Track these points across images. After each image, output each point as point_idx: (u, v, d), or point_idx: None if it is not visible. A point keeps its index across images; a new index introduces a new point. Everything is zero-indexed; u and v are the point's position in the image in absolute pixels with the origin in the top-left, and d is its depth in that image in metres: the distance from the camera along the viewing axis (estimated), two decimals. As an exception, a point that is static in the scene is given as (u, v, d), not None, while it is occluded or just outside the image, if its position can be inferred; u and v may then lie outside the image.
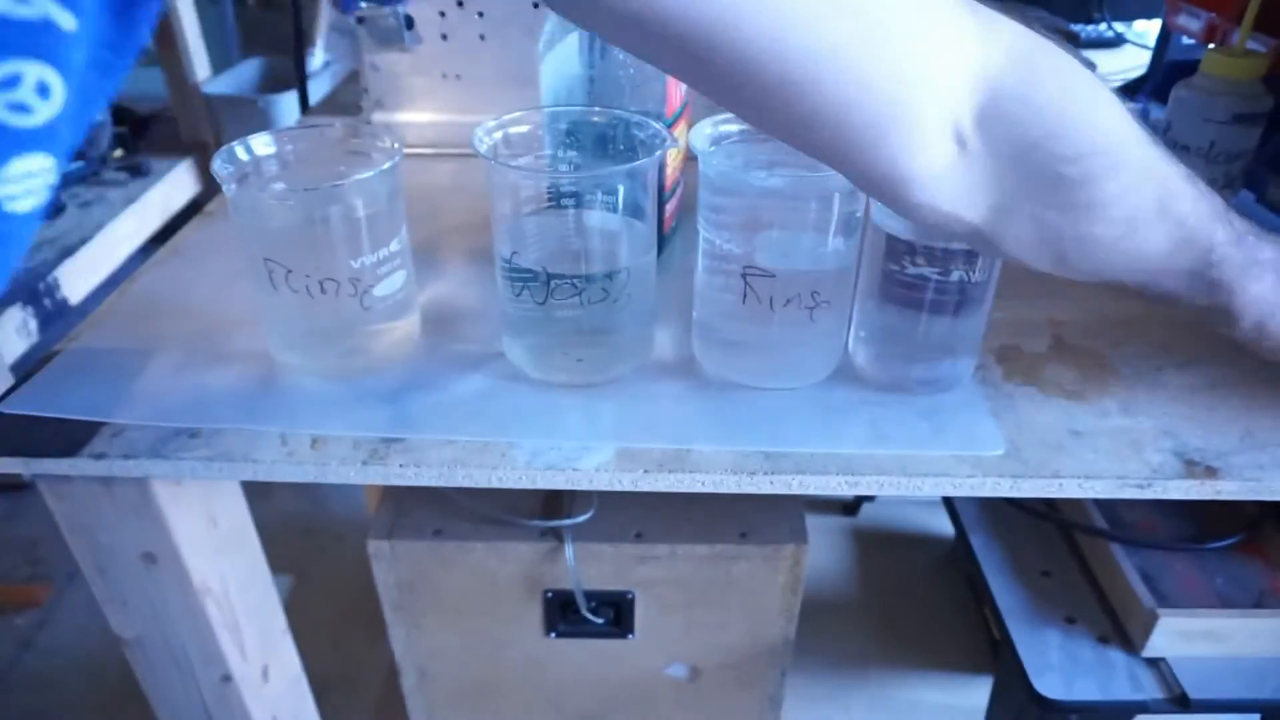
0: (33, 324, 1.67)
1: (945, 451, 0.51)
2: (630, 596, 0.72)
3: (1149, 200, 0.43)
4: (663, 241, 0.70)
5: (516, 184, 0.54)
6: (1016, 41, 0.39)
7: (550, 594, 0.72)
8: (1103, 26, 1.22)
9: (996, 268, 0.53)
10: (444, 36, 0.88)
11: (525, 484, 0.51)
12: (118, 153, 2.12)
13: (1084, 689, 0.69)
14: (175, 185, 2.17)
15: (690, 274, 0.57)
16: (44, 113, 0.26)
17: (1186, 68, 0.71)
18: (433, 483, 0.51)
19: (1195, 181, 0.45)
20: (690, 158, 0.60)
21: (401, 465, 0.51)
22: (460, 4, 0.86)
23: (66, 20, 0.26)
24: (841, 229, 0.52)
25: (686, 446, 0.52)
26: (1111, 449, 0.52)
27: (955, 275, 0.51)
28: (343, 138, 0.58)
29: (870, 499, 1.52)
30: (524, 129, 0.56)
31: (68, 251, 1.79)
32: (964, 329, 0.54)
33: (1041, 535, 0.83)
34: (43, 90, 0.26)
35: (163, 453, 0.51)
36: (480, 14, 0.86)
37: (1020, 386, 0.57)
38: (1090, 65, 0.82)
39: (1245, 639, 0.70)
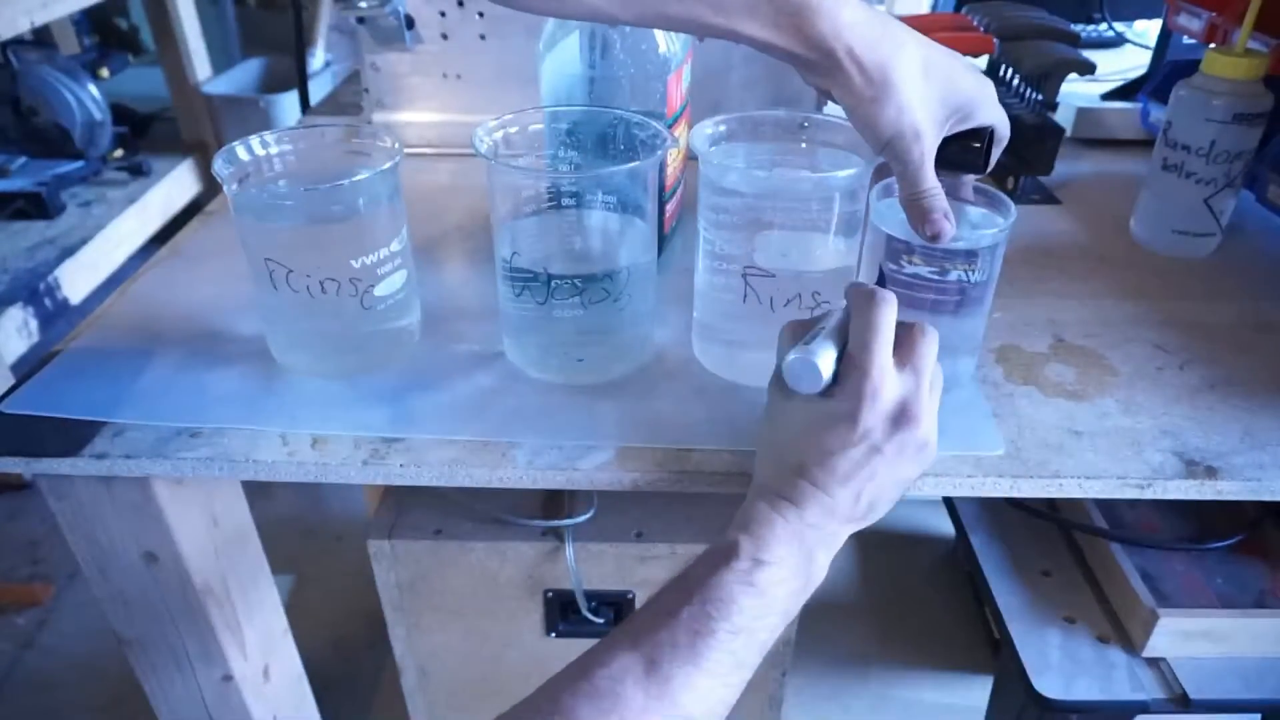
0: (33, 324, 1.67)
1: (945, 451, 0.51)
2: (630, 596, 0.72)
3: None
4: (663, 241, 0.70)
5: (517, 184, 0.54)
6: None
7: (550, 594, 0.73)
8: (1103, 26, 1.22)
9: (996, 268, 0.53)
10: (444, 36, 0.88)
11: (525, 484, 0.51)
12: (118, 153, 2.12)
13: (1084, 689, 0.69)
14: (176, 185, 2.17)
15: (690, 274, 0.57)
16: None
17: (1187, 68, 0.71)
18: (433, 483, 0.51)
19: None
20: (690, 158, 0.60)
21: (401, 465, 0.51)
22: (460, 4, 0.86)
23: None
24: (841, 229, 0.52)
25: (686, 446, 0.52)
26: (1111, 449, 0.52)
27: (954, 275, 0.51)
28: (343, 138, 0.58)
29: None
30: (524, 129, 0.56)
31: (68, 251, 1.79)
32: (964, 329, 0.54)
33: (1041, 535, 0.83)
34: None
35: (164, 452, 0.51)
36: (480, 14, 0.86)
37: (1020, 386, 0.57)
38: (1090, 66, 0.82)
39: (1245, 639, 0.70)
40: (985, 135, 0.50)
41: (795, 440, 0.44)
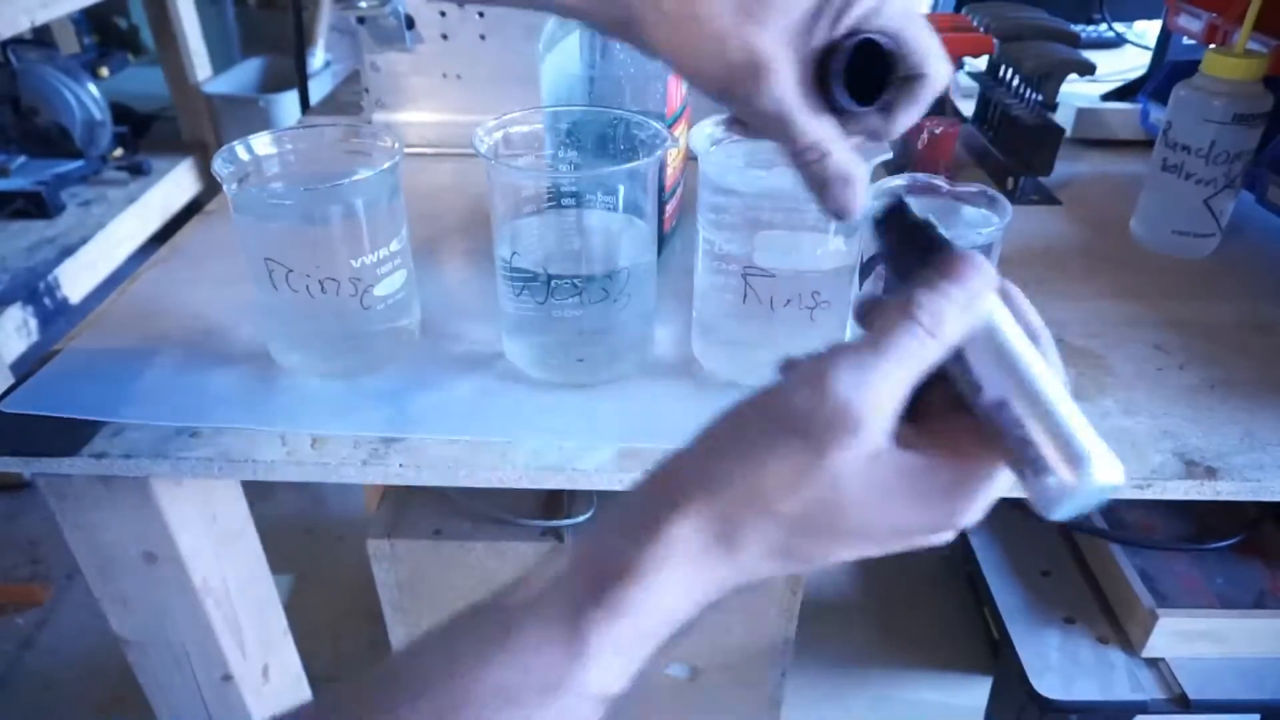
0: (33, 323, 1.67)
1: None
2: (630, 596, 0.72)
3: None
4: (663, 241, 0.70)
5: (516, 184, 0.54)
6: None
7: (550, 594, 0.72)
8: (1103, 27, 1.22)
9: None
10: (444, 36, 0.88)
11: (525, 484, 0.51)
12: (118, 152, 2.11)
13: (1084, 689, 0.69)
14: (176, 185, 2.17)
15: (690, 274, 0.57)
16: None
17: (1187, 68, 0.71)
18: (433, 483, 0.51)
19: None
20: (690, 158, 0.60)
21: (401, 465, 0.51)
22: (460, 4, 0.86)
23: None
24: (841, 229, 0.51)
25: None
26: (1111, 449, 0.52)
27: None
28: (343, 138, 0.58)
29: (870, 499, 1.51)
30: (524, 129, 0.56)
31: (68, 251, 1.79)
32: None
33: (1041, 535, 0.83)
34: None
35: (163, 452, 0.51)
36: (480, 14, 0.86)
37: (1020, 387, 0.57)
38: (1090, 66, 0.82)
39: (1245, 639, 0.70)
40: (889, 60, 0.33)
41: (864, 501, 0.30)
